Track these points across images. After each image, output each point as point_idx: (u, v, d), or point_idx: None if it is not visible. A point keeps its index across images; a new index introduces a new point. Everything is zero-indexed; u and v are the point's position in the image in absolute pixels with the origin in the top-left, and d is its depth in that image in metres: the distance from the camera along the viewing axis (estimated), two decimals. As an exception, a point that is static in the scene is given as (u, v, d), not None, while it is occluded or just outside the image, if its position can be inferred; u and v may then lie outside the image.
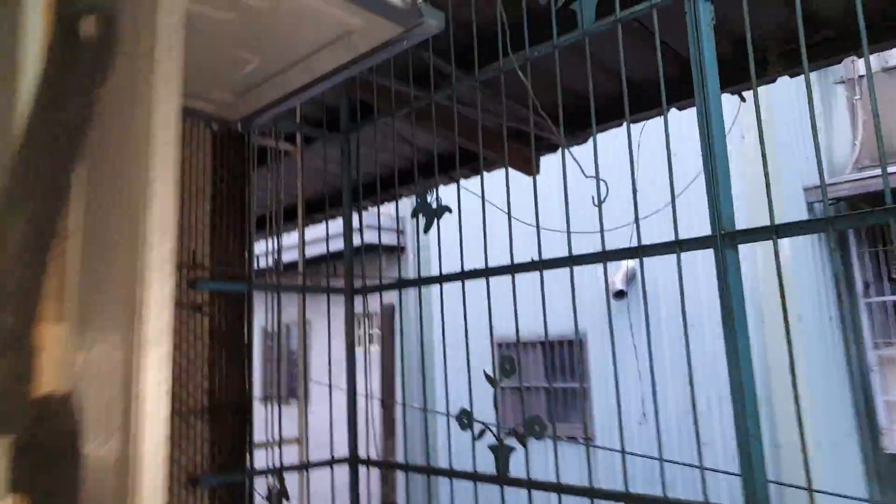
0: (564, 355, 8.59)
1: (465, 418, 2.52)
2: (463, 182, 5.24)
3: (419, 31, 1.63)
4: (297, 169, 3.28)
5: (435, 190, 2.81)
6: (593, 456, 8.06)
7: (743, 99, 4.28)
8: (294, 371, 11.19)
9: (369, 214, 9.06)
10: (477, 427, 2.49)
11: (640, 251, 2.12)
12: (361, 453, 2.93)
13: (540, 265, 2.40)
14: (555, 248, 2.55)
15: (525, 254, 2.49)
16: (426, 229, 2.78)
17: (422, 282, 2.77)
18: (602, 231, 2.17)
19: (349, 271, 3.08)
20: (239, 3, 1.50)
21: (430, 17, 1.59)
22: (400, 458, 9.14)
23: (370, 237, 9.01)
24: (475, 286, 2.53)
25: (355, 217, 3.16)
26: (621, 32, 2.20)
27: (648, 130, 4.14)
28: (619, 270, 8.21)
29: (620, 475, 2.00)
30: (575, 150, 4.72)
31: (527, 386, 8.90)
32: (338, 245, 3.04)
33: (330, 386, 2.99)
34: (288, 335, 11.08)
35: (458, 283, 2.56)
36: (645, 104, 3.83)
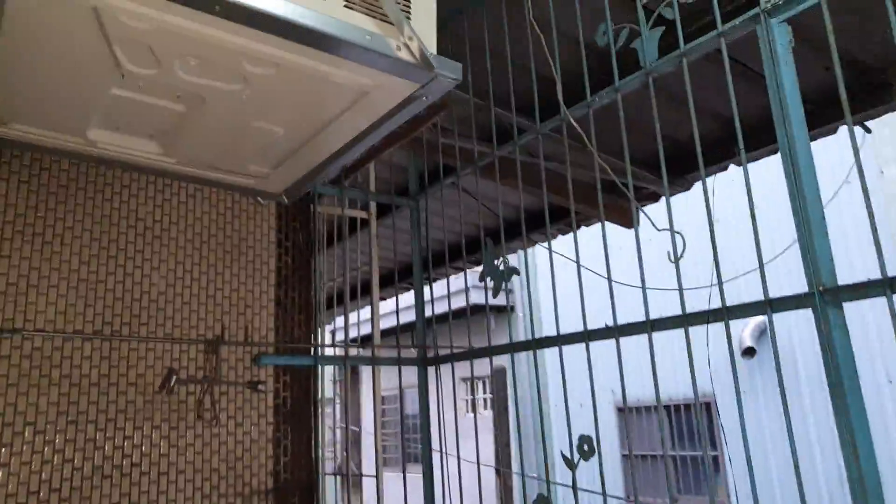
0: (693, 420, 7.90)
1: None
2: (560, 238, 5.03)
3: (436, 85, 1.51)
4: (371, 237, 3.23)
5: (522, 251, 2.64)
6: (730, 534, 7.26)
7: (867, 130, 3.82)
8: (412, 436, 11.08)
9: (473, 274, 8.98)
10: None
11: (725, 312, 1.83)
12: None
13: (616, 332, 2.13)
14: (670, 305, 2.28)
15: (634, 312, 2.23)
16: (495, 293, 2.61)
17: (493, 351, 2.57)
18: (681, 290, 1.91)
19: (422, 342, 2.95)
20: (241, 73, 1.45)
21: (444, 69, 1.47)
22: (518, 530, 8.69)
23: (476, 297, 8.88)
24: (596, 345, 2.28)
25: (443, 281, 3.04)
26: (692, 66, 1.98)
27: (761, 170, 3.78)
28: (746, 325, 7.54)
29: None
30: (675, 198, 4.41)
31: (652, 454, 8.25)
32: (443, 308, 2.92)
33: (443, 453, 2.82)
34: (404, 400, 11.05)
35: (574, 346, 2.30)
36: (750, 143, 3.50)
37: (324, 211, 3.12)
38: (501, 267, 2.56)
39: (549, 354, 9.02)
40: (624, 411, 8.73)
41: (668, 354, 7.85)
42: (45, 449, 2.12)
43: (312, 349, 2.71)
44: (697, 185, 4.18)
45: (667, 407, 8.09)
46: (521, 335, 9.58)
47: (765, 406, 7.34)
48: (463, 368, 2.60)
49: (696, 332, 1.95)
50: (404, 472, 2.71)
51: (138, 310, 2.37)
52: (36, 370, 2.15)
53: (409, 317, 3.02)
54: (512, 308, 9.97)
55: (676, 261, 1.99)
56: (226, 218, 2.63)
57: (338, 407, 10.09)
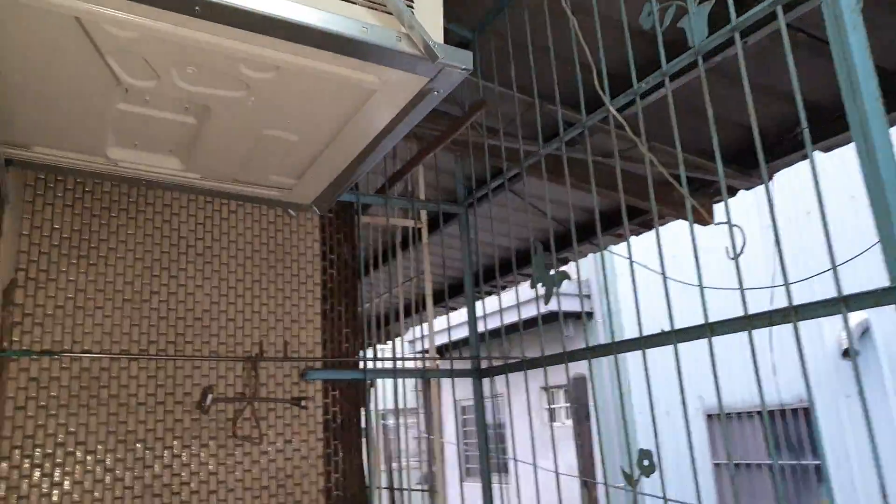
0: (789, 426, 7.39)
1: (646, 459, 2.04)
2: (634, 239, 4.80)
3: (445, 77, 1.41)
4: (422, 245, 3.15)
5: (597, 254, 2.47)
6: (837, 549, 6.72)
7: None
8: (497, 445, 10.92)
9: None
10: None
11: (793, 313, 1.63)
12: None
13: (673, 336, 1.95)
14: (760, 302, 2.08)
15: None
16: (546, 300, 2.47)
17: (546, 361, 2.43)
18: (742, 288, 1.72)
19: (475, 354, 2.83)
20: (242, 79, 1.40)
21: (451, 59, 1.37)
22: (606, 543, 8.39)
23: (551, 305, 8.64)
24: (682, 351, 2.09)
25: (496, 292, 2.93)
26: (756, 45, 1.80)
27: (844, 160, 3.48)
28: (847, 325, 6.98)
29: None
30: (747, 193, 4.11)
31: (746, 463, 7.77)
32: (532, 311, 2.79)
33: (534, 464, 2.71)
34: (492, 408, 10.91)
35: (659, 351, 2.12)
36: (829, 129, 3.22)
37: (370, 221, 3.07)
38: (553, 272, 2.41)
39: (632, 360, 8.69)
40: (713, 418, 8.29)
41: (761, 358, 7.39)
42: (97, 468, 2.14)
43: (361, 363, 2.65)
44: (782, 176, 3.88)
45: (760, 413, 7.60)
46: (601, 341, 9.27)
47: (871, 410, 6.77)
48: (539, 379, 2.45)
49: (789, 334, 1.74)
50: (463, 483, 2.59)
51: (183, 328, 2.37)
52: (85, 390, 2.18)
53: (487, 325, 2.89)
54: (590, 314, 9.68)
55: (736, 257, 1.80)
56: (268, 233, 2.61)
57: (421, 417, 10.07)
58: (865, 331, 6.99)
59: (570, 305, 8.94)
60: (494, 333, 2.87)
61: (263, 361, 2.39)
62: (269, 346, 2.47)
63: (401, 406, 2.97)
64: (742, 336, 1.82)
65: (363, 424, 2.62)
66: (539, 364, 2.48)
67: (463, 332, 3.97)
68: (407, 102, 1.52)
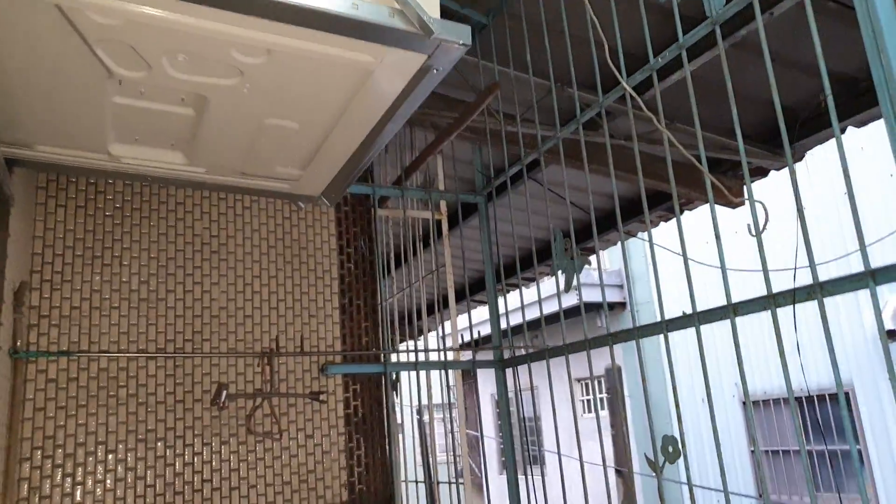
0: (828, 412, 7.18)
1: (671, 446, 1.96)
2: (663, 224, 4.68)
3: (442, 53, 1.36)
4: (443, 237, 3.09)
5: (622, 239, 2.39)
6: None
7: None
8: (531, 438, 10.85)
9: (586, 271, 8.64)
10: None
11: (818, 289, 1.54)
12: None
13: (695, 318, 1.87)
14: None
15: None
16: (567, 287, 2.40)
17: (568, 349, 2.36)
18: (765, 267, 1.64)
19: (497, 344, 2.78)
20: (234, 65, 1.36)
21: (447, 34, 1.31)
22: (645, 535, 8.26)
23: (588, 295, 8.55)
24: (717, 338, 2.00)
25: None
26: (784, 18, 1.71)
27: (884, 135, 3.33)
28: (886, 305, 6.76)
29: None
30: (781, 174, 3.97)
31: (784, 450, 7.58)
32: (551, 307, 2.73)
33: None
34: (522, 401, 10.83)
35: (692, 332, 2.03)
36: (863, 103, 3.08)
37: (388, 215, 3.03)
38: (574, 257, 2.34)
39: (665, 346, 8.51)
40: (748, 405, 8.10)
41: (800, 341, 7.18)
42: (118, 467, 2.14)
43: (382, 357, 2.61)
44: (819, 155, 3.74)
45: (798, 399, 7.39)
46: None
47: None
48: (576, 369, 2.38)
49: (832, 316, 1.64)
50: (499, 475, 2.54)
51: (199, 326, 2.36)
52: (103, 391, 2.18)
53: (516, 318, 2.81)
54: (623, 304, 9.53)
55: (758, 234, 1.71)
56: (284, 228, 2.59)
57: (455, 412, 10.05)
58: (907, 311, 6.75)
59: (598, 296, 8.82)
60: (521, 328, 2.80)
61: (281, 356, 2.36)
62: (286, 342, 2.45)
63: (437, 401, 2.93)
64: (770, 325, 1.73)
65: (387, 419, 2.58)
66: (561, 352, 2.41)
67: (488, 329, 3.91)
68: (407, 83, 1.47)
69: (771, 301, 1.63)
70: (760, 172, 4.11)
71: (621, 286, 9.27)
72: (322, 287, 2.59)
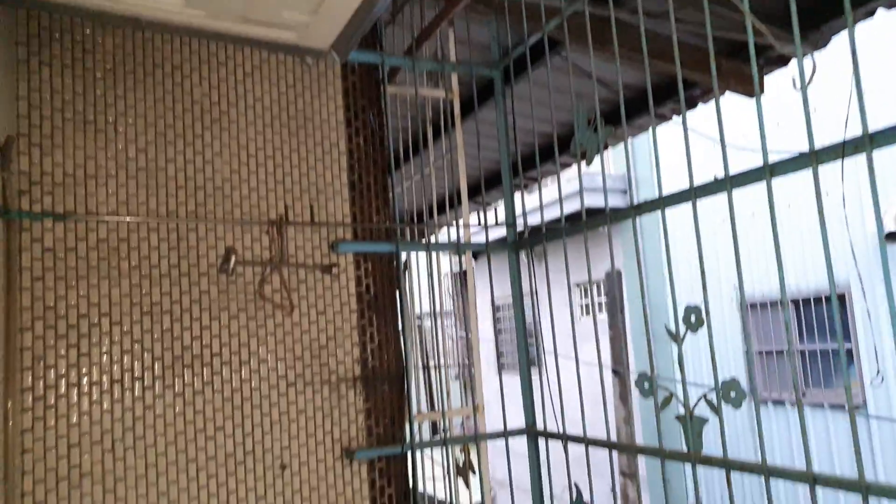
0: (823, 314, 7.24)
1: (647, 383, 1.96)
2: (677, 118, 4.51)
3: None
4: (456, 118, 2.94)
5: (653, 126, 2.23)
6: (868, 429, 6.70)
7: None
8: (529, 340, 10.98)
9: (587, 177, 8.50)
10: (662, 394, 1.94)
11: (867, 141, 1.42)
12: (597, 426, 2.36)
13: (728, 183, 1.75)
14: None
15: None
16: (588, 161, 2.28)
17: (588, 224, 2.27)
18: (808, 123, 1.53)
19: (511, 222, 2.68)
20: None
21: None
22: (639, 432, 8.51)
23: (591, 201, 8.44)
24: (717, 240, 1.92)
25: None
26: None
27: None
28: (890, 208, 6.68)
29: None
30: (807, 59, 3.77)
31: (779, 350, 7.70)
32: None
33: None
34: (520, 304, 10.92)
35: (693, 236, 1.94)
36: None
37: (396, 92, 2.86)
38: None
39: (664, 255, 8.50)
40: (748, 308, 8.16)
41: (797, 243, 7.16)
42: (124, 340, 2.08)
43: (393, 235, 2.52)
44: (836, 42, 3.53)
45: (795, 301, 7.43)
46: (643, 236, 9.05)
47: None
48: (574, 274, 2.30)
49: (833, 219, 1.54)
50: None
51: (202, 198, 2.25)
52: (104, 262, 2.09)
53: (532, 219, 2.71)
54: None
55: (804, 87, 1.58)
56: (288, 97, 2.43)
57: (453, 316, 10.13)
58: (912, 214, 6.69)
59: (600, 201, 8.72)
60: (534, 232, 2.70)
61: (291, 226, 2.26)
62: (295, 217, 2.34)
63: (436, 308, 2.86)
64: (780, 223, 1.62)
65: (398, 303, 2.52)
66: (579, 230, 2.32)
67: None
68: None
69: (814, 158, 1.51)
70: (781, 61, 3.91)
71: (624, 191, 9.16)
72: (330, 162, 2.46)
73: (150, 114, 2.21)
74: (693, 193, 1.78)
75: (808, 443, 1.43)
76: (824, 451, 7.01)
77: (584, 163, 2.24)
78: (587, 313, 9.83)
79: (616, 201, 9.24)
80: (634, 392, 8.74)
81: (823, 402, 7.07)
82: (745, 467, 1.58)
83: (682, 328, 1.77)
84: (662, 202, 1.88)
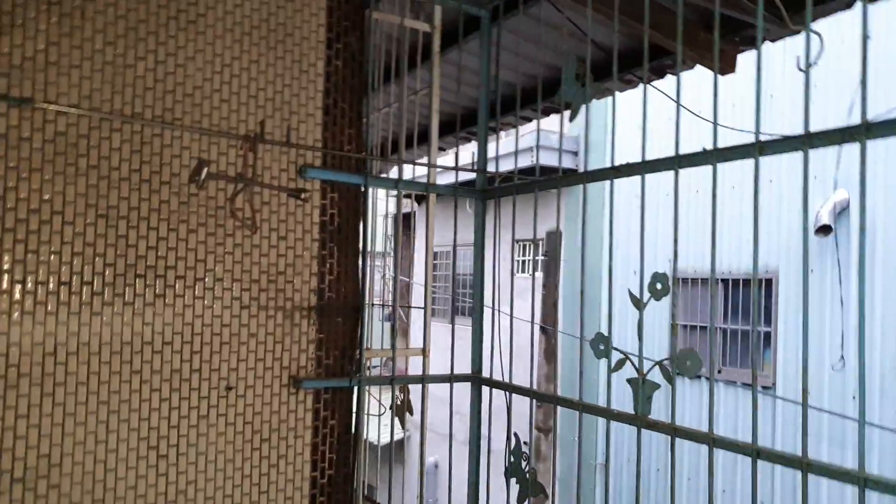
0: (749, 294, 7.60)
1: (602, 345, 2.03)
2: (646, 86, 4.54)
3: None
4: (433, 54, 2.87)
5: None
6: (773, 408, 7.17)
7: None
8: (461, 291, 11.15)
9: (542, 134, 8.51)
10: (615, 357, 2.01)
11: (863, 130, 1.46)
12: (520, 378, 2.46)
13: (714, 155, 1.79)
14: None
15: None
16: (572, 116, 2.28)
17: (562, 182, 2.29)
18: (807, 104, 1.54)
19: (482, 170, 2.67)
20: None
21: None
22: (559, 385, 8.82)
23: (546, 159, 8.49)
24: (654, 215, 1.97)
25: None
26: None
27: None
28: (826, 202, 7.00)
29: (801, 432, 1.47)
30: (785, 43, 3.84)
31: (702, 325, 8.07)
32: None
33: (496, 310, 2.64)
34: (455, 256, 10.99)
35: (638, 208, 1.97)
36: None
37: (380, 18, 2.76)
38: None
39: (607, 221, 8.69)
40: (678, 282, 8.47)
41: (735, 225, 7.44)
42: (75, 241, 1.98)
43: (362, 167, 2.47)
44: (841, 24, 3.58)
45: (724, 281, 7.77)
46: (586, 201, 9.19)
47: (830, 287, 6.96)
48: (520, 231, 2.34)
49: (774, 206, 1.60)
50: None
51: (171, 103, 2.13)
52: (61, 157, 1.96)
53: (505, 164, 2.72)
54: (574, 171, 9.55)
55: (807, 69, 1.61)
56: (269, 8, 2.31)
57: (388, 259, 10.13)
58: (843, 210, 7.04)
59: (554, 160, 8.80)
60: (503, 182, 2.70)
61: (266, 144, 2.18)
62: (262, 129, 2.26)
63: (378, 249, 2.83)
64: (722, 204, 1.68)
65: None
66: (553, 185, 2.34)
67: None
68: None
69: (806, 141, 1.56)
70: (751, 41, 3.96)
71: (576, 153, 9.25)
72: (306, 82, 2.37)
73: (122, 3, 2.06)
74: (714, 155, 1.81)
75: (756, 417, 1.51)
76: (730, 424, 7.47)
77: (566, 115, 2.25)
78: (524, 270, 10.00)
79: (567, 163, 9.33)
80: (558, 350, 9.03)
81: (737, 381, 7.49)
82: (691, 435, 1.65)
83: (647, 295, 1.82)
84: (641, 167, 1.90)
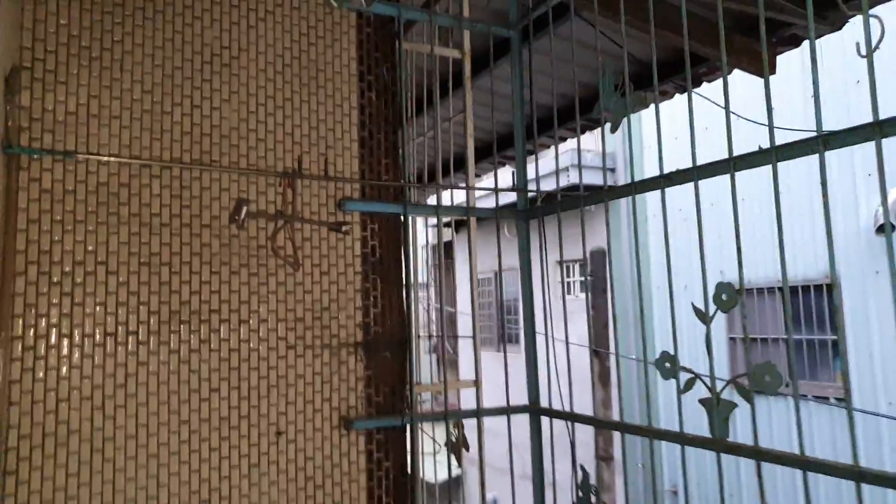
0: (811, 302, 7.29)
1: (669, 364, 1.91)
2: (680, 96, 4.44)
3: None
4: (464, 79, 2.83)
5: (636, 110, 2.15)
6: (846, 420, 6.80)
7: None
8: (510, 318, 11.02)
9: (569, 154, 8.41)
10: (684, 376, 1.89)
11: (876, 130, 1.36)
12: (568, 405, 2.37)
13: (731, 164, 1.68)
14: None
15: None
16: (613, 128, 2.20)
17: (608, 195, 2.20)
18: (873, 92, 1.43)
19: (522, 188, 2.60)
20: None
21: None
22: (616, 410, 8.56)
23: (584, 177, 8.37)
24: (708, 225, 1.88)
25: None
26: None
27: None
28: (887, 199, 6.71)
29: (884, 447, 1.35)
30: (828, 39, 3.70)
31: (763, 337, 7.76)
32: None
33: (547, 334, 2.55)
34: (501, 281, 10.88)
35: (682, 220, 1.91)
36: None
37: (411, 48, 2.74)
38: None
39: (652, 235, 8.49)
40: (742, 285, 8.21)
41: (787, 232, 7.18)
42: (119, 291, 1.97)
43: (401, 196, 2.43)
44: (853, 23, 3.46)
45: (780, 289, 7.48)
46: (624, 219, 9.03)
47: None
48: (556, 251, 2.25)
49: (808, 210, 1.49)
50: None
51: (209, 145, 2.13)
52: (104, 207, 1.97)
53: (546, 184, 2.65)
54: (613, 188, 9.40)
55: (870, 53, 1.50)
56: (300, 46, 2.31)
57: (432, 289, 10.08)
58: (903, 208, 6.73)
59: (593, 179, 8.68)
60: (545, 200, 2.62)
61: (305, 179, 2.16)
62: (300, 165, 2.24)
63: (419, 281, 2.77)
64: (768, 209, 1.59)
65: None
66: (599, 199, 2.25)
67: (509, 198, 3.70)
68: None
69: (821, 143, 1.45)
70: (793, 41, 3.83)
71: (613, 170, 9.12)
72: (341, 116, 2.35)
73: (158, 54, 2.08)
74: (695, 171, 1.71)
75: (855, 436, 1.38)
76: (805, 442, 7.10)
77: (608, 128, 2.17)
78: (570, 292, 9.83)
79: (597, 180, 9.20)
80: (616, 373, 8.79)
81: (807, 394, 7.15)
82: (780, 459, 1.52)
83: (712, 307, 1.71)
84: (693, 173, 1.81)
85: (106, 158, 1.95)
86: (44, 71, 1.92)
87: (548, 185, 6.92)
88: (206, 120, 2.13)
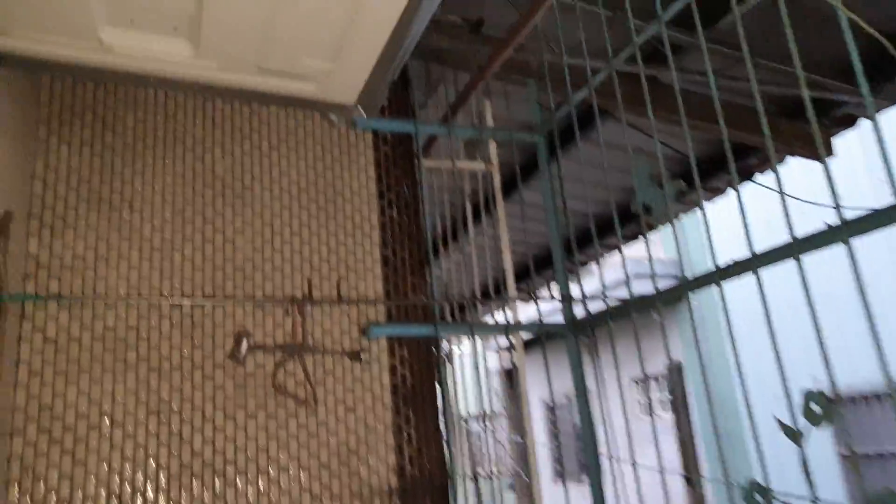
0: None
1: (760, 495, 1.56)
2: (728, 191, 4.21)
3: None
4: (494, 190, 2.71)
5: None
6: None
7: None
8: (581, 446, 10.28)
9: (632, 262, 8.12)
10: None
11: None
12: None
13: (794, 248, 1.43)
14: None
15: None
16: (655, 221, 1.99)
17: (660, 297, 1.95)
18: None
19: (567, 297, 2.37)
20: None
21: None
22: (716, 545, 7.65)
23: (639, 288, 8.04)
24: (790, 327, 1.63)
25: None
26: None
27: None
28: None
29: None
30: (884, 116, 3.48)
31: (879, 453, 6.88)
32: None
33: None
34: (570, 407, 10.29)
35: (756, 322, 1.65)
36: None
37: (432, 166, 2.66)
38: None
39: (730, 348, 7.90)
40: (835, 401, 7.44)
41: (882, 331, 6.54)
42: (125, 445, 1.80)
43: (431, 316, 2.24)
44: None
45: (864, 397, 6.71)
46: (704, 327, 8.50)
47: None
48: (634, 367, 1.99)
49: None
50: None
51: (221, 280, 2.02)
52: (110, 353, 1.85)
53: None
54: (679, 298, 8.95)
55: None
56: (316, 170, 2.24)
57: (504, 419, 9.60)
58: None
59: (649, 287, 8.30)
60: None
61: (314, 305, 2.00)
62: (321, 297, 2.09)
63: (479, 409, 2.53)
64: (853, 314, 1.31)
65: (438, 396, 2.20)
66: (651, 303, 2.00)
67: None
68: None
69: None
70: (849, 121, 3.61)
71: (676, 277, 8.72)
72: (361, 237, 2.23)
73: (168, 191, 2.04)
74: (754, 260, 1.45)
75: None
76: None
77: (646, 227, 1.95)
78: (646, 412, 9.16)
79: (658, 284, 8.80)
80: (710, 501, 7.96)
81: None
82: None
83: (803, 421, 1.40)
84: (752, 263, 1.56)
85: (110, 302, 1.85)
86: (53, 217, 1.88)
87: (596, 303, 6.58)
88: (217, 253, 2.04)
